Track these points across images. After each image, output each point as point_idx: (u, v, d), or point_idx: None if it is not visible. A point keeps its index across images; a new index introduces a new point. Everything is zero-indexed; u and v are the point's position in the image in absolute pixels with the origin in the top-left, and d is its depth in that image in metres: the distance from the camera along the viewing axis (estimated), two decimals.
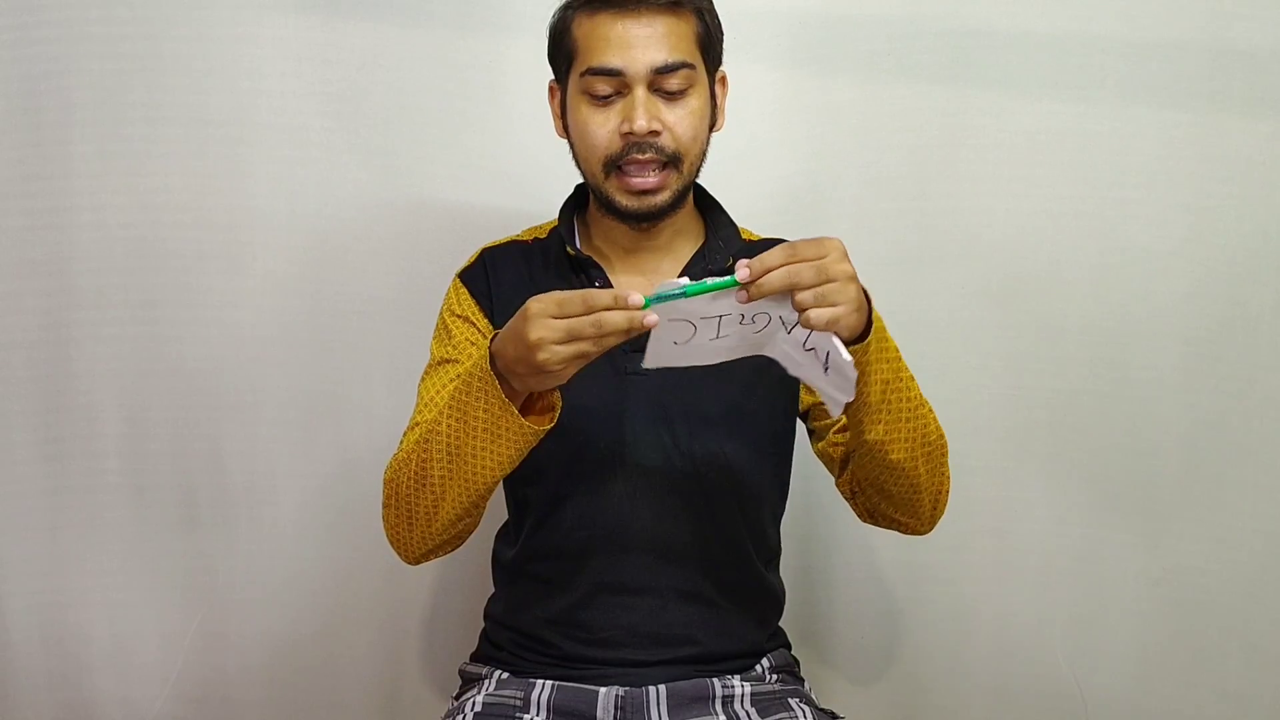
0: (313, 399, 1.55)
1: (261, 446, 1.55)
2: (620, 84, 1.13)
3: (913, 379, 1.10)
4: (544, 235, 1.27)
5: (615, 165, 1.14)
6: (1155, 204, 1.49)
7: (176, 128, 1.50)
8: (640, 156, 1.13)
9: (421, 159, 1.52)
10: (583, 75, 1.14)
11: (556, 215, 1.26)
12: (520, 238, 1.29)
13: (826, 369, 0.98)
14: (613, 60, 1.12)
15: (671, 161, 1.14)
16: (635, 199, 1.15)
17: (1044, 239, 1.51)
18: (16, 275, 1.52)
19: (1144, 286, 1.49)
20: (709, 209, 1.27)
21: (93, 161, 1.50)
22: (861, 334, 1.02)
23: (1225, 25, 1.45)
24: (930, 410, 1.12)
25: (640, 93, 1.12)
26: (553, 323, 0.95)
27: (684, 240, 1.24)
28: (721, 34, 1.21)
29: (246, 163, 1.51)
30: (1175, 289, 1.49)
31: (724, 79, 1.23)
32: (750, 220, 1.31)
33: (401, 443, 1.16)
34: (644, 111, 1.12)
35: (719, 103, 1.22)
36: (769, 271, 0.93)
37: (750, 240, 1.28)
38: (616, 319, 0.94)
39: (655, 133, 1.13)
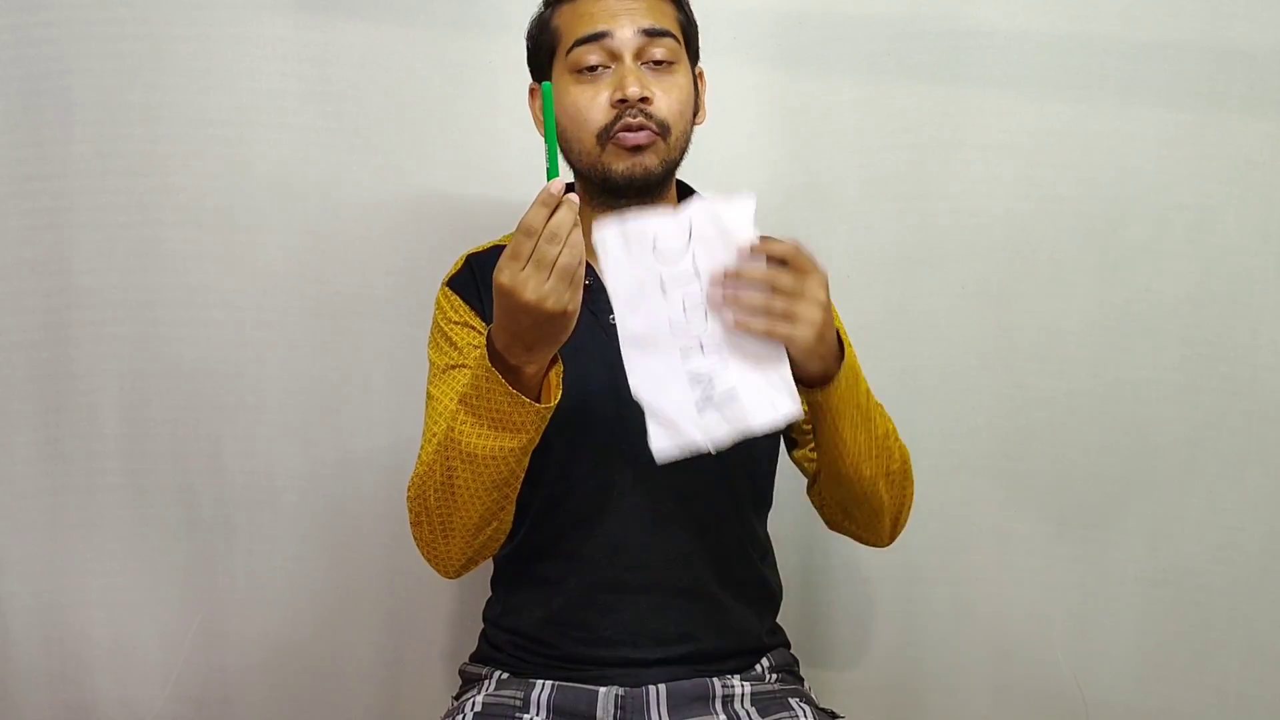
0: (313, 399, 1.54)
1: (261, 446, 1.55)
2: (608, 54, 1.14)
3: (881, 412, 1.14)
4: None
5: (608, 135, 1.14)
6: (1155, 204, 1.49)
7: (176, 128, 1.50)
8: (632, 121, 1.13)
9: (421, 158, 1.52)
10: (569, 52, 1.15)
11: None
12: (502, 242, 1.28)
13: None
14: (599, 26, 1.13)
15: (661, 131, 1.15)
16: (628, 159, 1.14)
17: (1044, 239, 1.51)
18: (16, 275, 1.52)
19: (1144, 286, 1.49)
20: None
21: (93, 161, 1.50)
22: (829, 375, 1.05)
23: (1225, 25, 1.45)
24: (895, 439, 1.16)
25: (630, 61, 1.13)
26: (525, 274, 0.96)
27: None
28: (698, 31, 1.22)
29: (246, 163, 1.51)
30: (1175, 289, 1.49)
31: (702, 74, 1.24)
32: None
33: (420, 455, 1.16)
34: (635, 78, 1.12)
35: (700, 96, 1.23)
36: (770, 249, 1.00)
37: None
38: (561, 217, 0.95)
39: (646, 99, 1.13)
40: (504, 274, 0.96)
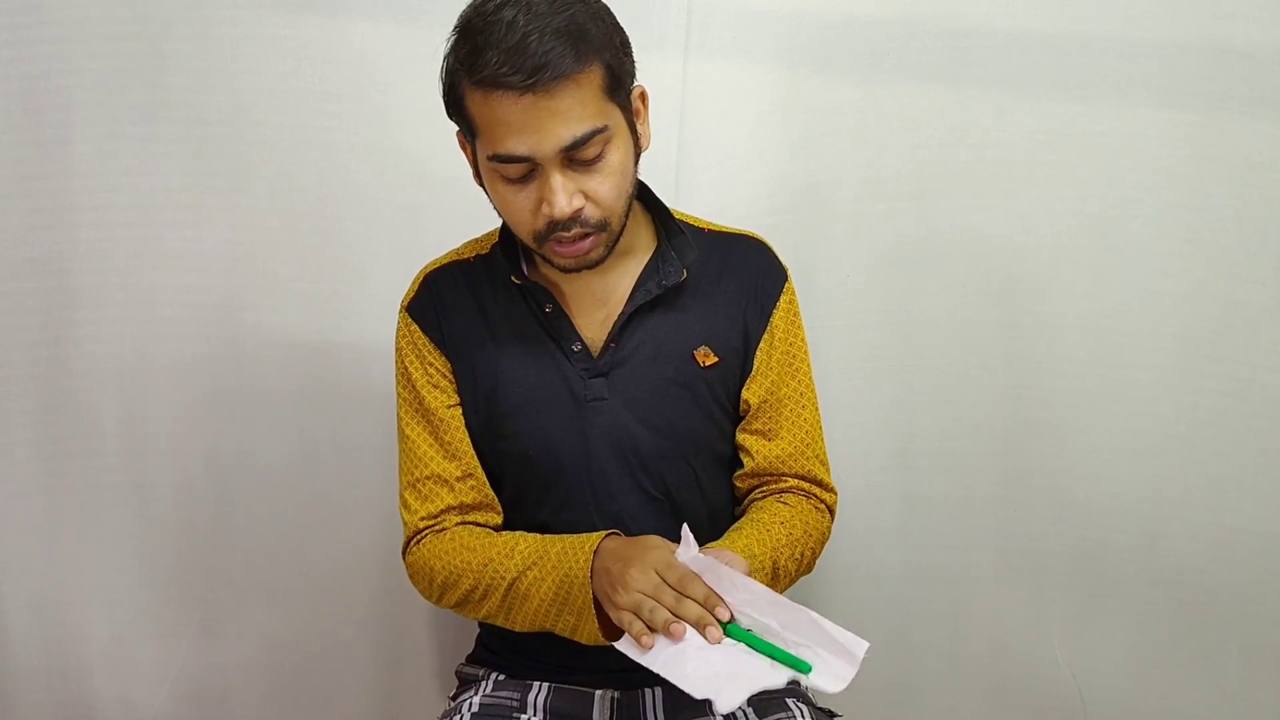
0: (313, 399, 1.55)
1: (261, 446, 1.55)
2: (531, 165, 1.05)
3: (789, 559, 1.16)
4: (486, 250, 1.23)
5: (544, 235, 1.08)
6: (1155, 204, 1.48)
7: (176, 128, 1.50)
8: (565, 235, 1.07)
9: (421, 159, 1.52)
10: (490, 159, 1.06)
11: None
12: (461, 255, 1.24)
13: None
14: (518, 147, 1.03)
15: (600, 227, 1.09)
16: (570, 259, 1.10)
17: (1044, 239, 1.50)
18: (16, 275, 1.52)
19: (1144, 286, 1.49)
20: (657, 211, 1.22)
21: (93, 161, 1.50)
22: None
23: (1225, 25, 1.45)
24: (800, 568, 1.19)
25: (554, 174, 1.05)
26: (651, 576, 1.01)
27: (633, 256, 1.20)
28: (629, 51, 1.10)
29: (246, 163, 1.51)
30: (1175, 289, 1.49)
31: (643, 95, 1.13)
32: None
33: (404, 498, 1.19)
34: (562, 194, 1.05)
35: (641, 127, 1.13)
36: None
37: (715, 231, 1.24)
38: (691, 610, 1.00)
39: (577, 209, 1.06)
40: (628, 598, 1.02)
